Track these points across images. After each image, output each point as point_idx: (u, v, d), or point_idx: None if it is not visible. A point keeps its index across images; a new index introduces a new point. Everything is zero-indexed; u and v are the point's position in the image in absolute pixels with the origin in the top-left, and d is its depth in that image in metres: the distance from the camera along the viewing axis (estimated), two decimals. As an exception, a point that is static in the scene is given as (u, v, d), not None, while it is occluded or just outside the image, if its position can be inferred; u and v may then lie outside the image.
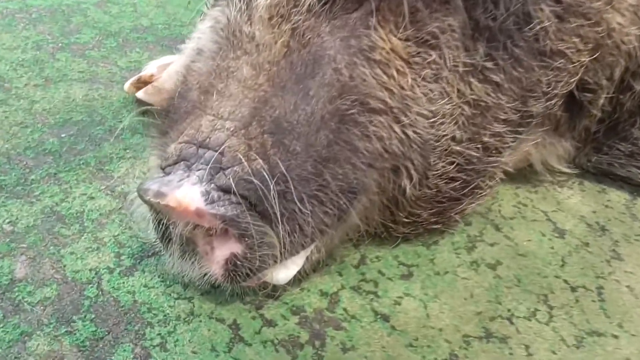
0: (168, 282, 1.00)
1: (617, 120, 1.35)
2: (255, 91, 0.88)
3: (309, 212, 0.85)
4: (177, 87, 1.00)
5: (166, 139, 0.96)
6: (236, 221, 0.82)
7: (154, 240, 0.96)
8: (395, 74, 0.94)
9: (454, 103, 1.00)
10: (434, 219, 1.13)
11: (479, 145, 1.07)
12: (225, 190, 0.84)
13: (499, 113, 1.07)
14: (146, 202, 0.85)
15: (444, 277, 1.12)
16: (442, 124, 1.00)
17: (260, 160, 0.84)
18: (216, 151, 0.85)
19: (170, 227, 0.88)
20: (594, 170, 1.42)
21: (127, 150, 1.31)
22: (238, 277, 0.89)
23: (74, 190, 1.17)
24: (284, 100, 0.87)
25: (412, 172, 0.99)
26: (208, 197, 0.83)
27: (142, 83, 1.42)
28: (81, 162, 1.23)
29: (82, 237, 1.06)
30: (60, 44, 1.73)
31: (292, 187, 0.83)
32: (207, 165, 0.84)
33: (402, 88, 0.95)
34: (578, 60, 1.13)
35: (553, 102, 1.15)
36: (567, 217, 1.30)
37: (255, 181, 0.82)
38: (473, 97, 1.02)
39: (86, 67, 1.62)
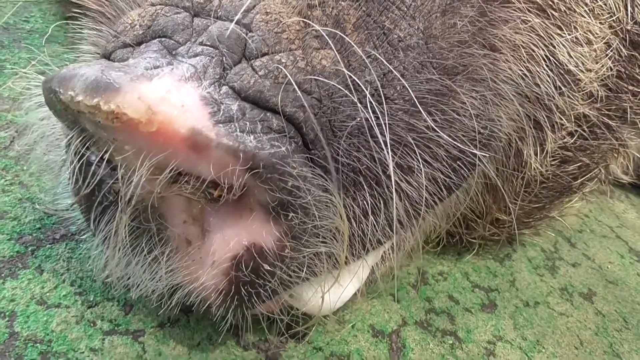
0: (90, 297, 0.47)
1: None
2: None
3: (420, 169, 0.38)
4: None
5: (116, 4, 0.45)
6: (280, 171, 0.33)
7: (69, 210, 0.45)
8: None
9: (611, 31, 0.58)
10: (527, 220, 0.71)
11: (616, 111, 0.67)
12: (254, 102, 0.35)
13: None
14: (64, 105, 0.34)
15: (537, 309, 0.71)
16: (597, 59, 0.57)
17: (333, 51, 0.36)
18: (232, 21, 0.36)
19: (113, 174, 0.37)
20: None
21: (33, 62, 0.76)
22: (253, 297, 0.39)
23: None
24: None
25: (548, 133, 0.55)
26: (219, 109, 0.33)
27: None
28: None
29: None
30: None
31: (402, 114, 0.35)
32: (216, 47, 0.35)
33: (568, -23, 0.51)
34: None
35: None
36: (635, 236, 1.06)
37: (323, 89, 0.34)
38: (632, 28, 0.61)
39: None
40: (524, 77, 0.49)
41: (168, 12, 0.40)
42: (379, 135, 0.35)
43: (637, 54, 0.67)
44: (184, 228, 0.40)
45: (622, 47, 0.65)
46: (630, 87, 0.69)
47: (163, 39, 0.39)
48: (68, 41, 0.86)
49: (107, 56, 0.41)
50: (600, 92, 0.65)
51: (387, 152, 0.35)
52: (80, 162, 0.39)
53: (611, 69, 0.65)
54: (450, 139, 0.39)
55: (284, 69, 0.36)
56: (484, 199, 0.61)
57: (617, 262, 0.96)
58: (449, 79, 0.41)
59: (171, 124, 0.32)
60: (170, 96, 0.33)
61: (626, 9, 0.63)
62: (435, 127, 0.36)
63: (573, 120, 0.65)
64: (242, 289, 0.38)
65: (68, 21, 0.76)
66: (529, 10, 0.48)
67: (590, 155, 0.71)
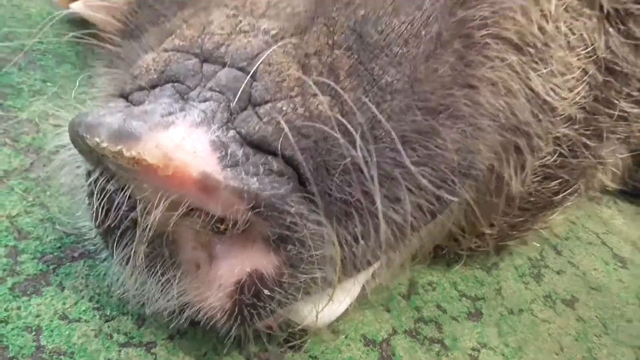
0: (107, 312, 0.52)
1: None
2: None
3: (405, 199, 0.43)
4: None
5: (133, 46, 0.50)
6: (279, 209, 0.38)
7: (87, 231, 0.50)
8: (536, -11, 0.54)
9: (587, 60, 0.63)
10: (512, 232, 0.76)
11: (594, 131, 0.71)
12: (258, 147, 0.40)
13: (632, 85, 0.71)
14: (90, 149, 0.39)
15: (520, 317, 0.76)
16: (572, 87, 0.62)
17: (328, 96, 0.41)
18: (241, 69, 0.41)
19: (132, 209, 0.42)
20: (631, 189, 1.22)
21: (48, 83, 0.80)
22: (255, 316, 0.44)
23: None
24: None
25: (527, 156, 0.60)
26: (227, 154, 0.38)
27: None
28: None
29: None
30: None
31: (388, 151, 0.40)
32: (223, 93, 0.40)
33: (545, 17, 0.55)
34: None
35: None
36: (620, 242, 1.10)
37: (318, 132, 0.39)
38: (607, 56, 0.66)
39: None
40: (502, 110, 0.54)
41: (180, 58, 0.45)
42: (367, 173, 0.40)
43: (612, 79, 0.71)
44: (193, 254, 0.45)
45: (597, 74, 0.70)
46: (607, 110, 0.74)
47: (175, 84, 0.44)
48: (80, 61, 0.91)
49: (126, 96, 0.45)
50: (578, 115, 0.70)
51: (375, 186, 0.40)
52: (102, 194, 0.44)
53: (588, 95, 0.70)
54: (426, 178, 0.44)
55: (284, 117, 0.41)
56: (468, 216, 0.66)
57: (601, 268, 1.00)
58: (431, 118, 0.46)
59: (185, 168, 0.37)
60: (184, 143, 0.38)
61: (600, 39, 0.68)
62: (412, 167, 0.41)
63: (553, 141, 0.70)
64: (245, 310, 0.43)
65: (79, 41, 0.81)
66: (506, 50, 0.53)
67: (570, 172, 0.76)
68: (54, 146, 0.51)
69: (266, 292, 0.42)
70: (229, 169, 0.38)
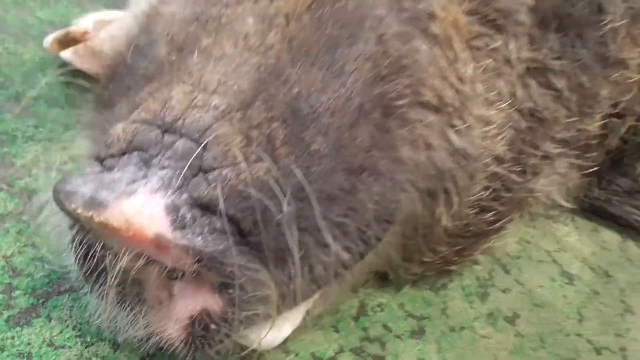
0: (87, 338, 0.62)
1: (624, 153, 1.21)
2: (262, 55, 0.55)
3: (330, 247, 0.53)
4: (132, 38, 0.63)
5: (108, 115, 0.60)
6: (220, 262, 0.48)
7: (71, 271, 0.59)
8: (455, 58, 0.64)
9: (509, 110, 0.73)
10: (455, 258, 0.86)
11: (522, 169, 0.81)
12: (206, 208, 0.49)
13: (554, 129, 0.82)
14: (68, 212, 0.49)
15: (461, 334, 0.86)
16: (494, 135, 0.72)
17: (266, 163, 0.51)
18: (194, 140, 0.51)
19: (105, 257, 0.52)
20: (588, 207, 1.28)
21: (40, 129, 0.90)
22: (206, 345, 0.54)
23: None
24: (305, 74, 0.55)
25: (454, 197, 0.69)
26: (177, 217, 0.48)
27: (70, 40, 1.03)
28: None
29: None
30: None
31: (314, 209, 0.50)
32: (179, 161, 0.50)
33: (461, 80, 0.65)
34: (634, 77, 0.92)
35: (603, 122, 0.94)
36: (571, 259, 1.16)
37: (256, 196, 0.49)
38: (529, 105, 0.76)
39: (-10, 12, 1.17)
40: (423, 162, 0.64)
41: (145, 130, 0.55)
42: (287, 230, 0.50)
43: (535, 125, 0.81)
44: (156, 293, 0.55)
45: (521, 120, 0.80)
46: (532, 151, 0.84)
47: (140, 152, 0.53)
48: (69, 105, 1.01)
49: (101, 161, 0.55)
50: (506, 155, 0.80)
51: (294, 239, 0.50)
52: (81, 243, 0.54)
53: (514, 139, 0.80)
54: (350, 227, 0.54)
55: (228, 182, 0.51)
56: (407, 247, 0.76)
57: (547, 285, 1.06)
58: (354, 177, 0.56)
59: (142, 231, 0.47)
60: (143, 209, 0.47)
61: (522, 91, 0.78)
62: (322, 223, 0.51)
63: (485, 178, 0.79)
64: (197, 340, 0.53)
65: (70, 83, 0.90)
66: (425, 113, 0.63)
67: (504, 204, 0.85)
68: (45, 199, 0.60)
69: (213, 326, 0.52)
70: (178, 230, 0.48)
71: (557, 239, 1.22)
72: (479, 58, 0.68)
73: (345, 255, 0.57)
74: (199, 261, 0.48)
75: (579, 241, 1.23)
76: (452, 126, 0.66)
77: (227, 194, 0.50)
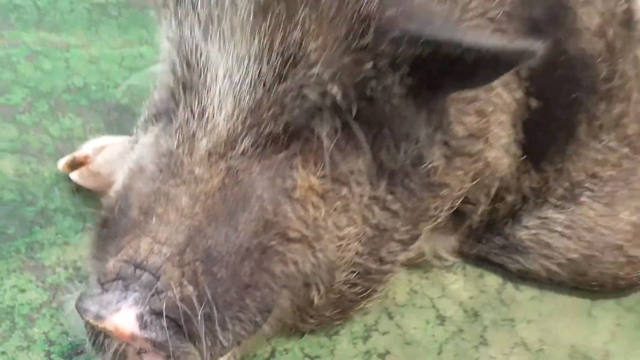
0: None
1: (494, 220, 1.59)
2: (191, 219, 1.00)
3: (229, 331, 0.98)
4: (117, 200, 1.08)
5: (103, 252, 1.05)
6: (164, 345, 0.93)
7: (84, 339, 1.04)
8: (311, 208, 1.09)
9: (359, 227, 1.17)
10: (337, 317, 1.29)
11: (376, 259, 1.25)
12: (158, 314, 0.94)
13: (395, 234, 1.26)
14: (84, 319, 0.94)
15: (341, 368, 1.26)
16: (348, 244, 1.16)
17: (191, 287, 0.96)
18: (152, 274, 0.96)
19: (105, 340, 0.97)
20: (475, 258, 1.60)
21: (58, 235, 1.35)
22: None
23: (4, 282, 1.20)
24: (216, 231, 1.00)
25: (320, 286, 1.14)
26: (142, 321, 0.93)
27: (77, 163, 1.43)
28: (12, 250, 1.26)
29: (13, 335, 1.10)
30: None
31: (216, 312, 0.95)
32: (143, 287, 0.95)
33: (316, 219, 1.10)
34: (461, 188, 1.36)
35: (439, 220, 1.37)
36: (449, 304, 1.45)
37: (185, 307, 0.94)
38: (374, 222, 1.20)
39: (17, 135, 1.62)
40: (293, 273, 1.09)
41: (125, 266, 1.00)
42: (203, 323, 0.96)
43: (380, 233, 1.25)
44: (133, 358, 1.00)
45: (370, 230, 1.24)
46: (382, 248, 1.28)
47: (123, 281, 0.99)
48: (77, 212, 1.45)
49: (102, 284, 1.00)
50: (361, 249, 1.22)
51: (202, 332, 0.95)
52: (92, 332, 0.99)
53: (366, 241, 1.24)
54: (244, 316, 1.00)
55: (172, 298, 0.96)
56: (292, 316, 1.21)
57: (421, 327, 1.37)
58: (242, 291, 1.01)
59: (123, 332, 0.92)
60: (124, 319, 0.93)
61: (367, 213, 1.22)
62: (219, 330, 0.97)
63: (351, 266, 1.23)
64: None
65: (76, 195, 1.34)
66: (288, 244, 1.08)
67: (368, 281, 1.29)
68: (67, 297, 1.05)
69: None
70: (143, 329, 0.93)
71: (443, 286, 1.51)
72: (330, 203, 1.13)
73: (243, 332, 1.03)
74: (154, 345, 0.94)
75: (462, 287, 1.52)
76: (312, 248, 1.11)
77: (169, 306, 0.95)
